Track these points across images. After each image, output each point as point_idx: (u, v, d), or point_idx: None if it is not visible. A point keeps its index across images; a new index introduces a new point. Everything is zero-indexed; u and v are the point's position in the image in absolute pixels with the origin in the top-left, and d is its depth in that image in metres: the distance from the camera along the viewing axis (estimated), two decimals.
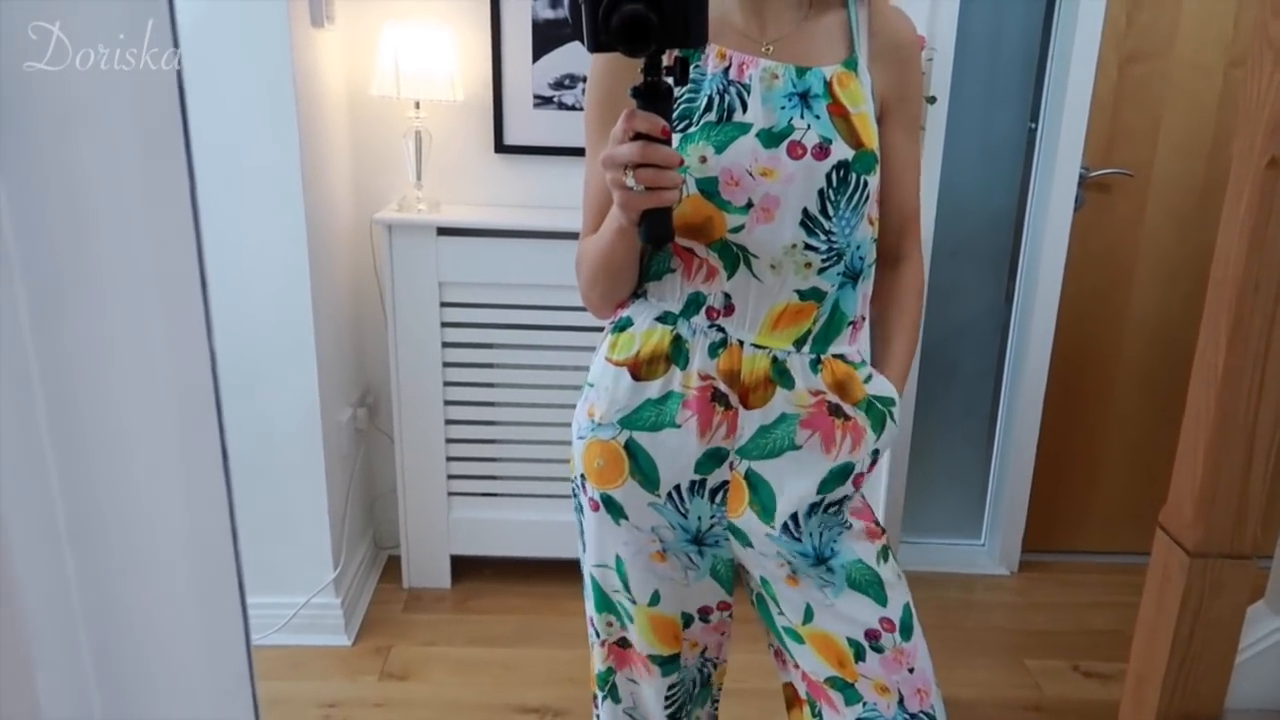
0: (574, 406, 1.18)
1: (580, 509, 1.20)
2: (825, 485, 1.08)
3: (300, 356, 2.03)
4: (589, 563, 1.22)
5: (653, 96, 0.89)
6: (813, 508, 1.09)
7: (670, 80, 0.89)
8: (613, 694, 1.29)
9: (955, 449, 2.72)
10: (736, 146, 1.02)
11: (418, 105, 2.15)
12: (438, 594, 2.42)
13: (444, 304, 2.23)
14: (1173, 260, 2.49)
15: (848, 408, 1.08)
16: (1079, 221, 2.44)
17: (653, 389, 1.09)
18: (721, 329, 1.07)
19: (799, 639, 1.16)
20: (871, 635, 1.11)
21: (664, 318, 1.09)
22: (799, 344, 1.07)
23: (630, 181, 0.91)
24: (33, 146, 0.44)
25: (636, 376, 1.09)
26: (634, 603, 1.19)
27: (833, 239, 1.05)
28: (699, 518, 1.13)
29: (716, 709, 1.37)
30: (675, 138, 1.02)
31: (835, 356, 1.09)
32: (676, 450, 1.09)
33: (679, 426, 1.08)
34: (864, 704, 1.13)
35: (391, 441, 2.36)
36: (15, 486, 0.44)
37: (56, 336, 0.45)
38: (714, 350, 1.07)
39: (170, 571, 0.60)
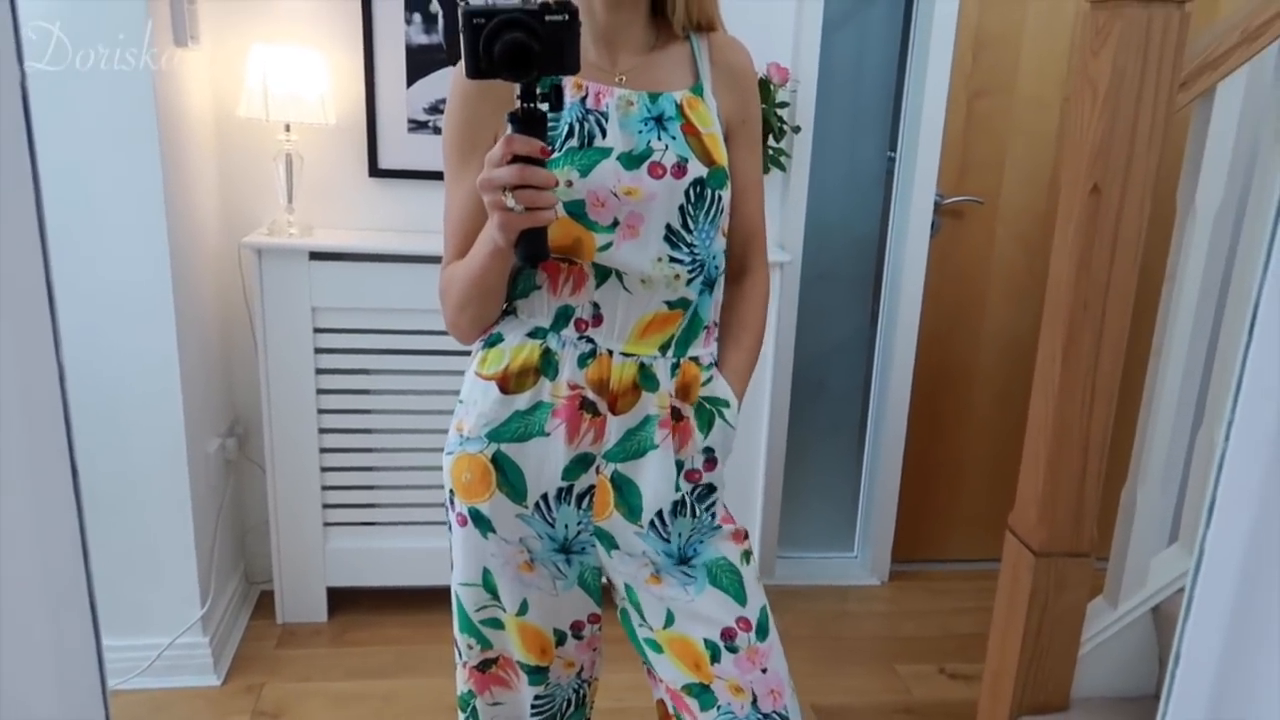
0: None
1: (450, 527, 1.21)
2: (680, 483, 1.14)
3: (164, 383, 1.96)
4: (455, 581, 1.23)
5: (530, 121, 0.93)
6: (676, 506, 1.14)
7: (545, 106, 0.94)
8: (474, 717, 1.29)
9: (827, 465, 2.82)
10: (600, 170, 1.07)
11: (288, 128, 2.12)
12: (314, 628, 2.35)
13: (317, 329, 2.19)
14: (1021, 281, 2.67)
15: (684, 409, 1.14)
16: (935, 246, 2.59)
17: (521, 401, 1.12)
18: (591, 340, 1.12)
19: (658, 648, 1.20)
20: (728, 635, 1.15)
21: (534, 333, 1.13)
22: (664, 349, 1.13)
23: (510, 202, 0.94)
24: None
25: (505, 390, 1.12)
26: (505, 611, 1.21)
27: (695, 251, 1.11)
28: (566, 525, 1.16)
29: None
30: None
31: (691, 359, 1.15)
32: (543, 458, 1.12)
33: (547, 435, 1.12)
34: (719, 707, 1.17)
35: (263, 472, 2.29)
36: None
37: None
38: (583, 360, 1.11)
39: (17, 608, 0.58)
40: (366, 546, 2.34)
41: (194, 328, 2.06)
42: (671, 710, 1.23)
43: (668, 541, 1.15)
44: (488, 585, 1.20)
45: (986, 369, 2.73)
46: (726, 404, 1.18)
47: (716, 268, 1.16)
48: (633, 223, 1.08)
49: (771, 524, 2.65)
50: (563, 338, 1.12)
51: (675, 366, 1.14)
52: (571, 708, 1.32)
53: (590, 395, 1.11)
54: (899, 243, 2.59)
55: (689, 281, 1.12)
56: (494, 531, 1.16)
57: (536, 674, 1.25)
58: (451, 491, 1.18)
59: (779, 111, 2.33)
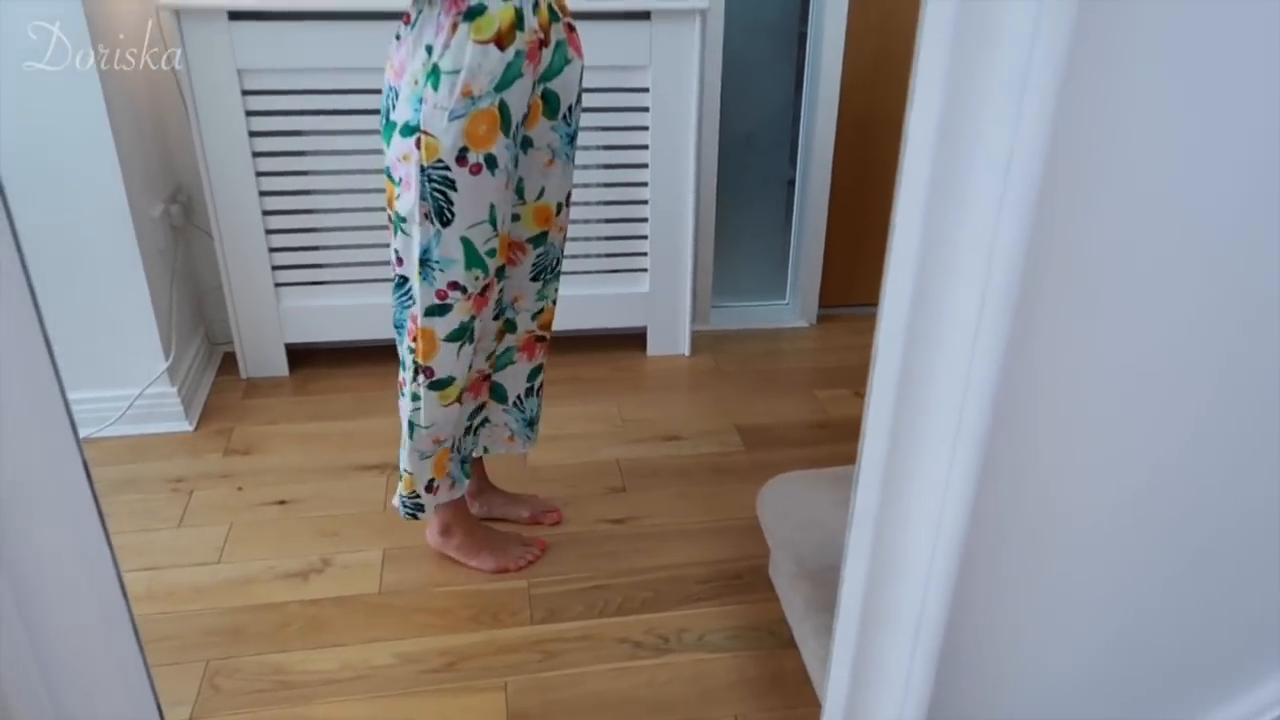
0: None
1: (449, 185, 1.44)
2: (580, 80, 1.56)
3: (99, 151, 2.02)
4: (460, 228, 1.48)
5: None
6: (578, 98, 1.58)
7: None
8: (469, 337, 1.59)
9: (758, 218, 2.95)
10: None
11: None
12: (275, 381, 2.54)
13: (245, 91, 2.23)
14: None
15: (571, 22, 1.54)
16: None
17: (510, 54, 1.41)
18: None
19: (518, 218, 1.64)
20: (568, 197, 1.67)
21: None
22: None
23: None
24: None
25: (501, 47, 1.39)
26: (497, 234, 1.54)
27: None
28: (516, 141, 1.51)
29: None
30: None
31: None
32: (522, 94, 1.45)
33: (523, 76, 1.44)
34: (546, 243, 1.68)
35: (211, 238, 2.40)
36: None
37: None
38: (535, 8, 1.43)
39: None
40: (318, 305, 2.49)
41: (121, 95, 2.10)
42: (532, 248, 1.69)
43: (569, 126, 1.58)
44: (492, 219, 1.50)
45: None
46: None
47: None
48: None
49: (705, 274, 2.81)
50: None
51: None
52: (556, 263, 1.75)
53: (541, 36, 1.45)
54: None
55: None
56: (498, 166, 1.47)
57: (539, 240, 1.67)
58: (465, 148, 1.43)
59: None
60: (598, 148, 2.46)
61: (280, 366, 2.54)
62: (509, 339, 1.78)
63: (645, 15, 2.34)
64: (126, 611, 0.82)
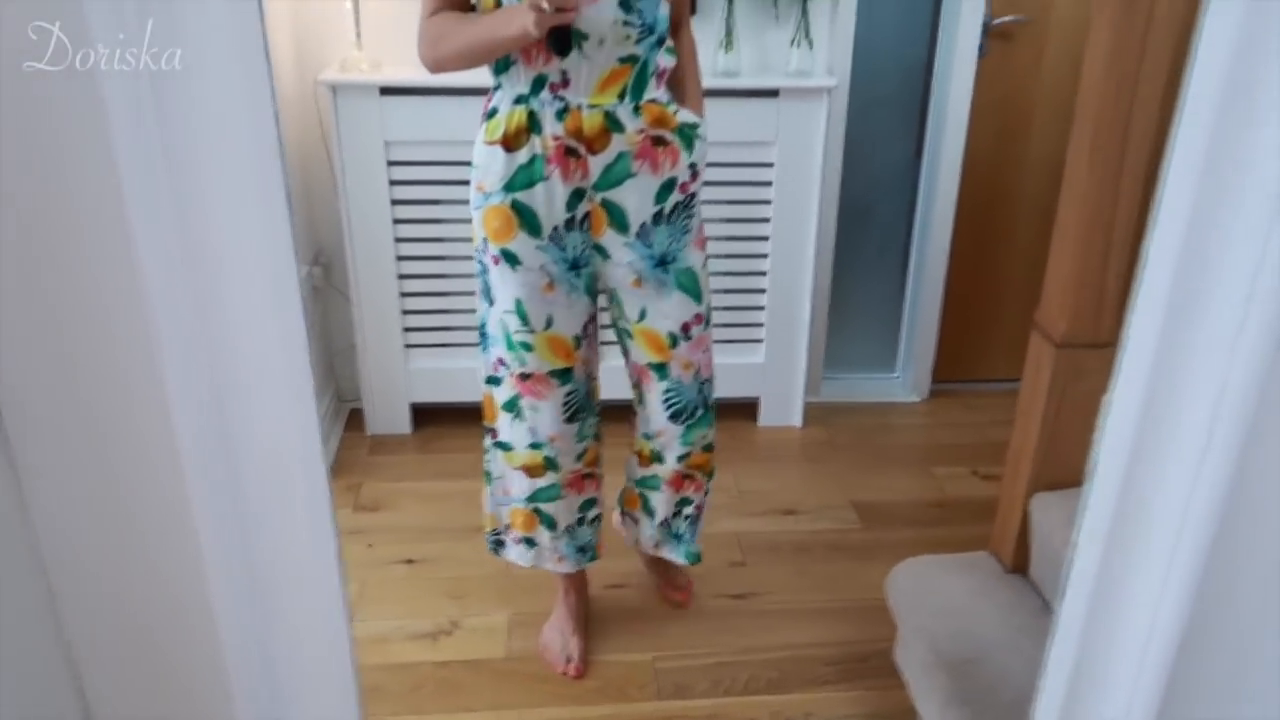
0: None
1: (485, 270, 1.54)
2: (659, 197, 1.52)
3: None
4: (498, 311, 1.56)
5: None
6: (655, 217, 1.53)
7: None
8: (519, 414, 1.66)
9: (872, 290, 2.94)
10: None
11: None
12: (400, 439, 2.61)
13: (391, 162, 2.34)
14: (1068, 101, 2.68)
15: (666, 134, 1.50)
16: (983, 68, 2.62)
17: (521, 157, 1.46)
18: (562, 98, 1.44)
19: (631, 336, 1.65)
20: (685, 328, 1.61)
21: (519, 100, 1.46)
22: (620, 96, 1.45)
23: (545, 4, 1.28)
24: None
25: (508, 149, 1.46)
26: (533, 331, 1.58)
27: (643, 15, 1.41)
28: (573, 246, 1.53)
29: (599, 418, 1.77)
30: None
31: (650, 101, 1.48)
32: (549, 198, 1.48)
33: (547, 179, 1.46)
34: (670, 378, 1.65)
35: (348, 300, 2.50)
36: None
37: None
38: (560, 116, 1.44)
39: None
40: (445, 366, 2.56)
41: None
42: (634, 381, 1.72)
43: (650, 247, 1.54)
44: (520, 312, 1.56)
45: (1031, 192, 2.80)
46: (696, 125, 1.54)
47: (664, 29, 1.46)
48: None
49: (818, 346, 2.81)
50: (541, 100, 1.44)
51: (637, 109, 1.47)
52: (589, 399, 1.71)
53: (571, 143, 1.45)
54: (946, 67, 2.62)
55: (638, 41, 1.42)
56: (520, 264, 1.52)
57: (565, 375, 1.62)
58: (485, 239, 1.52)
59: None
60: (720, 220, 2.50)
61: (404, 424, 2.62)
62: (656, 468, 1.79)
63: (774, 93, 2.39)
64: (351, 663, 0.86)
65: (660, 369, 1.65)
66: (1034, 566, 1.73)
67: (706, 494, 1.83)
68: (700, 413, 1.71)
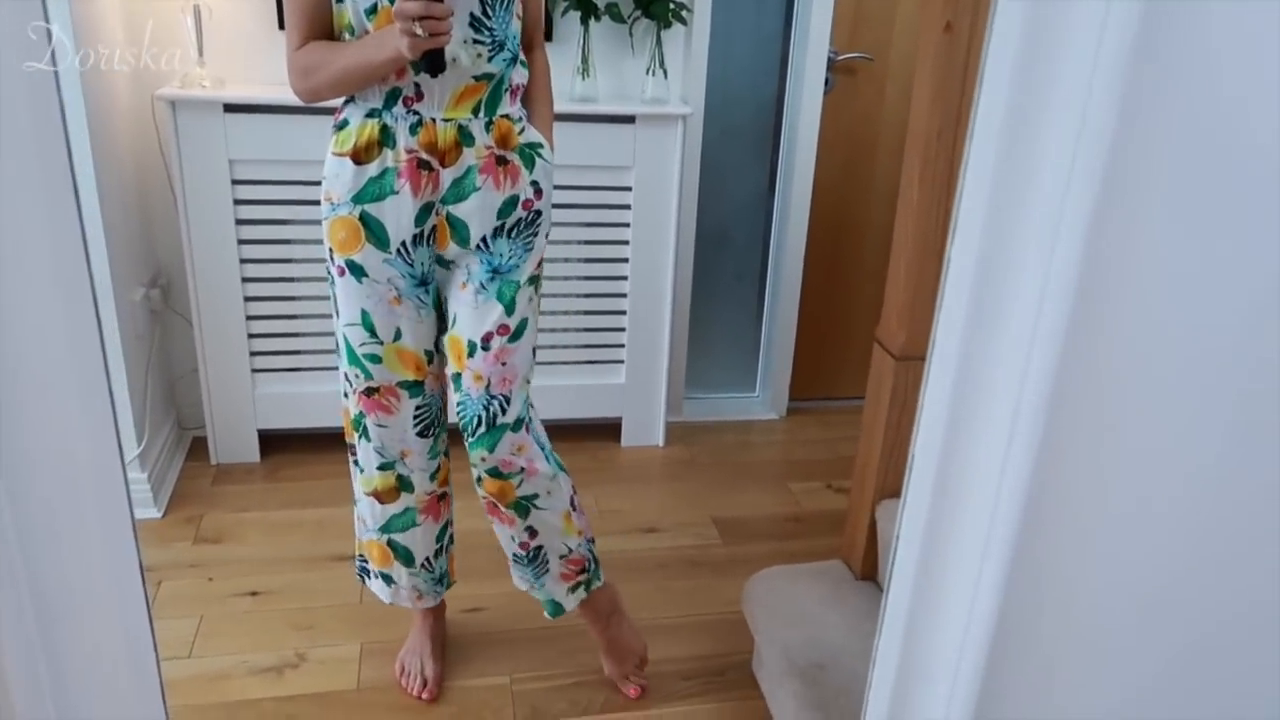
0: None
1: (332, 280, 1.51)
2: (501, 212, 1.51)
3: (89, 233, 2.02)
4: (341, 324, 1.53)
5: None
6: (496, 231, 1.52)
7: None
8: (365, 433, 1.62)
9: (732, 313, 3.02)
10: None
11: None
12: (247, 468, 2.50)
13: (235, 181, 2.26)
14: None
15: (508, 154, 1.50)
16: (829, 102, 2.74)
17: (372, 169, 1.44)
18: (417, 112, 1.43)
19: (441, 346, 1.60)
20: (486, 338, 1.53)
21: (371, 113, 1.44)
22: (475, 111, 1.45)
23: (419, 30, 1.27)
24: None
25: (358, 162, 1.44)
26: (381, 343, 1.54)
27: (494, 33, 1.43)
28: (421, 262, 1.51)
29: (447, 433, 1.72)
30: None
31: (503, 117, 1.49)
32: (398, 212, 1.46)
33: (397, 193, 1.45)
34: (462, 389, 1.55)
35: (189, 324, 2.39)
36: None
37: None
38: (414, 129, 1.43)
39: None
40: (294, 391, 2.47)
41: (112, 180, 2.11)
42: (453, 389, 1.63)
43: (492, 256, 1.52)
44: (366, 324, 1.52)
45: (877, 220, 2.93)
46: (539, 145, 1.55)
47: (516, 44, 1.48)
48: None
49: (679, 367, 2.85)
50: (394, 114, 1.43)
51: (489, 124, 1.47)
52: (442, 414, 1.68)
53: (424, 156, 1.44)
54: (795, 100, 2.73)
55: (490, 59, 1.43)
56: (367, 276, 1.49)
57: (415, 387, 1.59)
58: (331, 249, 1.50)
59: None
60: (579, 242, 2.52)
61: (252, 452, 2.50)
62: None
63: (630, 119, 2.43)
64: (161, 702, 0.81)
65: (456, 379, 1.56)
66: (882, 572, 1.80)
67: (533, 536, 1.63)
68: (482, 431, 1.52)
